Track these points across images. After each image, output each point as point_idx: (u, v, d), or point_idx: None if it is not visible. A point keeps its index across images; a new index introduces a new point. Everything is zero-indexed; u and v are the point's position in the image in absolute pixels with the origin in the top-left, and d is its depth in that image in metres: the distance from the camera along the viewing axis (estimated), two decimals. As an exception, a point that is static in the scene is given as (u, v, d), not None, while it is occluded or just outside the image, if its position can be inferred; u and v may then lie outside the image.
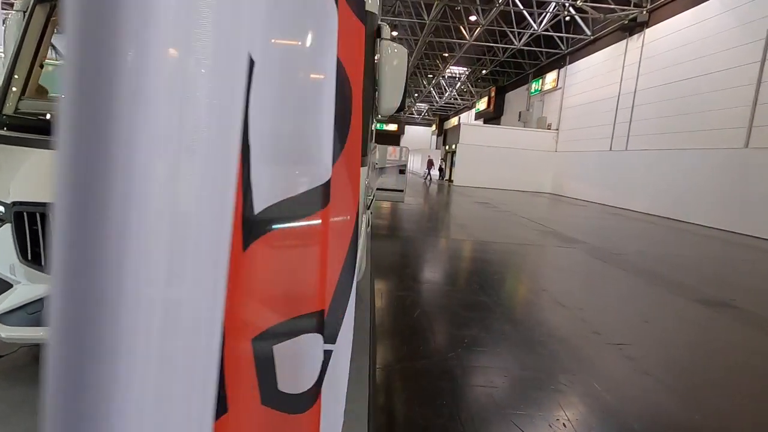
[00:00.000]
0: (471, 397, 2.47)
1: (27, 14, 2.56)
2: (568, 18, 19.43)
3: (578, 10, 17.81)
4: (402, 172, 8.70)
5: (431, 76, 32.66)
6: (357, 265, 2.23)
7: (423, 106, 46.76)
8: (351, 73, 0.88)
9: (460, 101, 39.12)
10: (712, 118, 12.31)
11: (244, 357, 0.67)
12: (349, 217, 0.91)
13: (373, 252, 5.80)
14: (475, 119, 33.17)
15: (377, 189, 8.39)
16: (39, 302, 2.13)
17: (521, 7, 18.32)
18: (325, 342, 0.81)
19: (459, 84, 34.14)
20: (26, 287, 2.10)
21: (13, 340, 2.11)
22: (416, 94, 40.51)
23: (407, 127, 53.01)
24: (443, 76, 32.25)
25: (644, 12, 15.66)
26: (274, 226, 0.70)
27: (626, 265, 6.27)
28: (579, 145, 20.20)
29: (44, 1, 2.58)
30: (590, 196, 18.58)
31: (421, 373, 2.70)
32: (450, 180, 25.95)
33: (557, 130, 22.54)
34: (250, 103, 0.58)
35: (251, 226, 0.65)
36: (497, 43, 22.54)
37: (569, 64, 21.34)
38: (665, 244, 9.04)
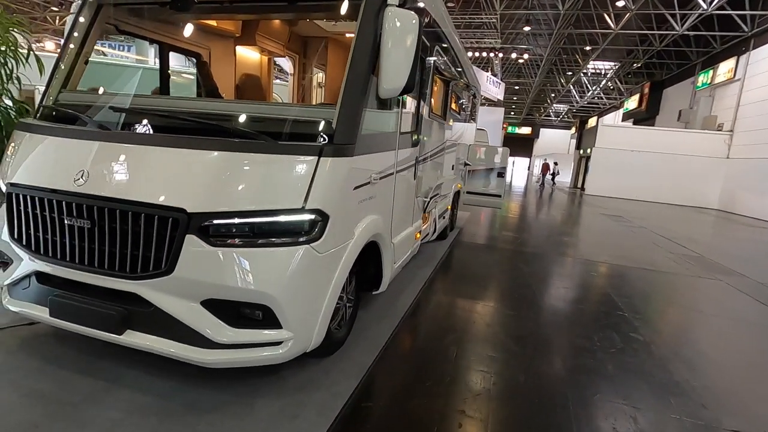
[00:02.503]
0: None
1: (74, 16, 2.79)
2: (754, -10, 15.45)
3: (770, -22, 13.99)
4: (501, 175, 7.79)
5: (570, 73, 29.48)
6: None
7: (561, 107, 42.65)
8: None
9: (605, 100, 34.55)
10: None
11: None
12: None
13: (459, 263, 5.24)
14: (623, 120, 28.86)
15: (470, 193, 7.70)
16: (27, 279, 2.24)
17: (685, -16, 15.20)
18: None
19: (604, 81, 30.13)
20: (27, 262, 2.21)
21: (24, 314, 2.26)
22: (552, 94, 37.15)
23: (542, 130, 49.12)
24: (584, 73, 28.83)
25: None
26: None
27: (798, 312, 4.49)
28: (763, 150, 15.88)
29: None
30: (775, 215, 14.45)
31: (413, 417, 2.16)
32: (582, 188, 23.03)
33: (731, 131, 18.13)
34: None
35: None
36: (652, 29, 19.13)
37: (753, 48, 16.93)
38: None
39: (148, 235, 1.89)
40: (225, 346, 1.95)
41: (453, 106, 5.35)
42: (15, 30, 2.83)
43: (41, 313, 2.14)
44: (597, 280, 5.31)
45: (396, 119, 2.89)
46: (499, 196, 7.85)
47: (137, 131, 2.18)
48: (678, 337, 3.73)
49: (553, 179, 25.51)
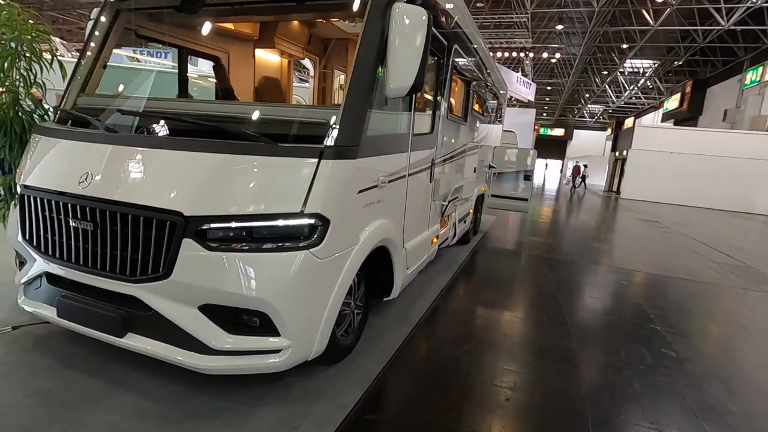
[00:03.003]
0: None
1: (93, 21, 2.85)
2: (810, -20, 14.39)
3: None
4: (528, 178, 7.53)
5: (606, 72, 28.39)
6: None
7: (596, 108, 41.19)
8: None
9: (644, 100, 33.12)
10: None
11: None
12: None
13: (481, 268, 5.07)
14: (663, 120, 27.53)
15: (495, 196, 7.49)
16: (39, 279, 2.27)
17: (732, -24, 14.32)
18: None
19: (642, 80, 28.85)
20: (39, 262, 2.25)
21: (36, 314, 2.30)
22: (587, 95, 35.91)
23: (576, 132, 47.55)
24: (621, 72, 27.70)
25: None
26: None
27: None
28: (819, 151, 14.77)
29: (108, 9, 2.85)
30: (832, 222, 13.36)
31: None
32: (617, 191, 22.10)
33: (783, 131, 16.96)
34: None
35: None
36: (695, 25, 18.15)
37: (809, 42, 15.80)
38: None
39: (146, 238, 1.87)
40: (223, 352, 1.91)
41: (475, 107, 5.19)
42: (39, 38, 2.92)
43: (50, 313, 2.17)
44: (629, 290, 5.01)
45: (408, 120, 2.79)
46: (526, 199, 7.59)
47: (139, 134, 2.19)
48: (716, 354, 3.44)
49: (583, 181, 24.76)
